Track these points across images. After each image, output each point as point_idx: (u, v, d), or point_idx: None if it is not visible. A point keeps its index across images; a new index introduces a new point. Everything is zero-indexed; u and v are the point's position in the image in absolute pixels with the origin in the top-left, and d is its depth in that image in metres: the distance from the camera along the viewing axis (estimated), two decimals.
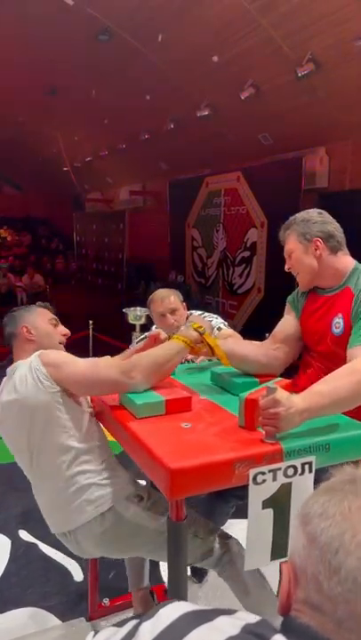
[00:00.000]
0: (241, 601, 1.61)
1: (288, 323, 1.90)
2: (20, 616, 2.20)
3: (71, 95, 9.15)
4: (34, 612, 2.22)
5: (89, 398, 1.71)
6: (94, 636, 0.66)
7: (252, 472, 1.21)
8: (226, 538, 1.64)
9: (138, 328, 2.24)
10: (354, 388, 1.40)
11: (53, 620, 2.18)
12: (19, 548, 2.67)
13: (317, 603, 0.55)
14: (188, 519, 1.31)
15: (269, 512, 1.25)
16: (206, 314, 2.41)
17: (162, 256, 11.29)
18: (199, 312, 2.43)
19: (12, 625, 2.14)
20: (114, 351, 2.18)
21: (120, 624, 0.64)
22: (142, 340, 2.12)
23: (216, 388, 1.79)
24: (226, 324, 2.35)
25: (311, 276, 1.79)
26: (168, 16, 6.04)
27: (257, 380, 1.71)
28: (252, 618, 0.59)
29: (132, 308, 2.25)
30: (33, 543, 2.69)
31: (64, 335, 1.75)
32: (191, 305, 2.47)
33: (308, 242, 1.75)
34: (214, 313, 2.45)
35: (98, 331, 6.49)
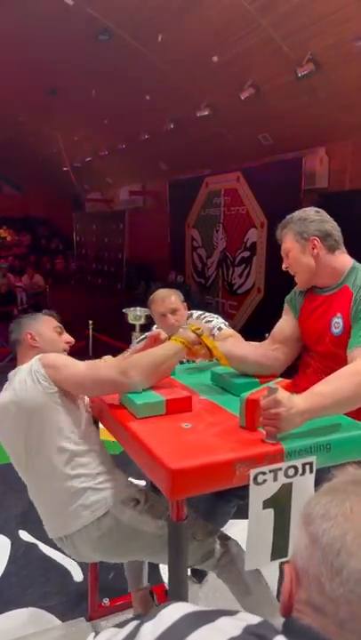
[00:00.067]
0: (240, 602, 1.62)
1: (287, 323, 1.90)
2: (20, 616, 2.20)
3: (71, 95, 9.15)
4: (34, 613, 2.22)
5: (87, 401, 1.72)
6: (95, 636, 0.66)
7: (252, 472, 1.21)
8: (225, 539, 1.64)
9: (138, 328, 2.24)
10: (355, 389, 1.40)
11: (53, 621, 2.18)
12: (19, 549, 2.66)
13: (319, 604, 0.55)
14: (187, 520, 1.31)
15: (270, 512, 1.25)
16: (207, 314, 2.41)
17: (162, 256, 11.28)
18: (200, 312, 2.43)
19: (12, 625, 2.14)
20: (114, 351, 2.18)
21: (121, 625, 0.64)
22: (142, 340, 2.12)
23: (216, 388, 1.79)
24: (226, 324, 2.35)
25: (309, 275, 1.78)
26: (168, 16, 6.04)
27: (257, 380, 1.71)
28: (254, 619, 0.59)
29: (131, 309, 2.26)
30: (33, 543, 2.69)
31: (68, 343, 1.78)
32: (191, 305, 2.47)
33: (306, 241, 1.74)
34: (214, 313, 2.45)
35: (98, 331, 6.49)
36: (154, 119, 8.48)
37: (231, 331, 2.30)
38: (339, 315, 1.69)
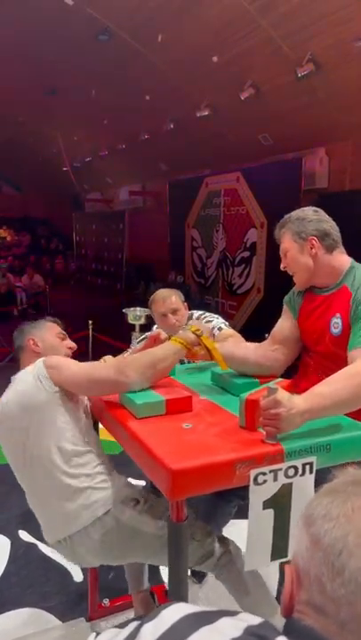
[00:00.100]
0: (239, 602, 1.62)
1: (286, 324, 1.90)
2: (20, 616, 2.20)
3: (71, 95, 9.14)
4: (33, 613, 2.22)
5: (87, 402, 1.72)
6: (96, 637, 0.65)
7: (253, 472, 1.21)
8: (223, 540, 1.65)
9: (137, 328, 2.24)
10: (355, 390, 1.40)
11: (53, 621, 2.18)
12: (18, 549, 2.66)
13: (321, 604, 0.55)
14: (187, 521, 1.31)
15: (270, 512, 1.25)
16: (207, 314, 2.41)
17: (161, 256, 11.28)
18: (200, 312, 2.43)
19: (12, 625, 2.14)
20: (113, 351, 2.19)
21: (122, 625, 0.64)
22: (142, 340, 2.12)
23: (216, 388, 1.79)
24: (227, 324, 2.35)
25: (308, 275, 1.78)
26: (168, 16, 6.04)
27: (257, 380, 1.72)
28: (255, 619, 0.59)
29: (131, 309, 2.25)
30: (33, 543, 2.68)
31: (70, 348, 1.80)
32: (191, 305, 2.47)
33: (304, 241, 1.74)
34: (214, 313, 2.45)
35: (97, 331, 6.48)
36: (154, 119, 8.48)
37: (231, 331, 2.30)
38: (338, 315, 1.69)
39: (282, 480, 1.24)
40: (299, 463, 1.26)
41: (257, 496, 1.22)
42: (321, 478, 1.12)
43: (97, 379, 1.56)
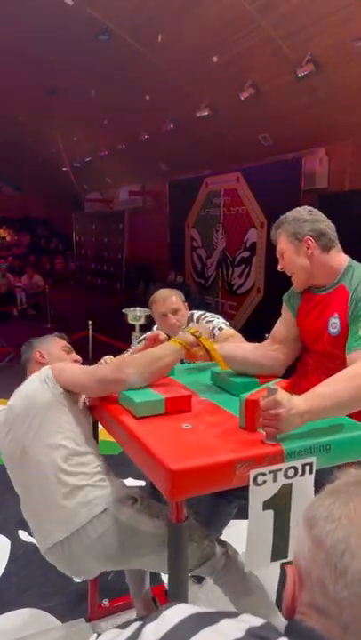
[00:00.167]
0: (236, 604, 1.63)
1: (286, 323, 1.90)
2: (20, 617, 2.20)
3: (71, 95, 9.14)
4: (33, 613, 2.22)
5: (87, 406, 1.75)
6: (97, 637, 0.65)
7: (252, 473, 1.21)
8: (221, 543, 1.66)
9: (137, 328, 2.24)
10: (355, 392, 1.40)
11: (53, 621, 2.17)
12: (18, 549, 2.66)
13: (323, 606, 0.54)
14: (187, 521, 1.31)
15: (270, 513, 1.25)
16: (208, 314, 2.41)
17: (161, 256, 11.28)
18: (201, 312, 2.43)
19: (12, 626, 2.14)
20: (113, 352, 2.19)
21: (123, 626, 0.64)
22: (143, 340, 2.12)
23: (216, 388, 1.79)
24: (227, 324, 2.34)
25: (306, 276, 1.78)
26: (168, 16, 6.04)
27: (257, 380, 1.72)
28: (257, 621, 0.58)
29: (131, 309, 2.25)
30: (33, 543, 2.68)
31: (75, 361, 1.86)
32: (191, 305, 2.47)
33: (300, 241, 1.74)
34: (214, 313, 2.45)
35: (97, 331, 6.49)
36: (154, 119, 8.48)
37: (232, 331, 2.30)
38: (336, 315, 1.69)
39: (282, 480, 1.24)
40: (298, 464, 1.26)
41: (257, 496, 1.22)
42: (322, 479, 1.12)
43: (98, 377, 1.60)
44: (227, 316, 2.62)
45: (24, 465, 1.59)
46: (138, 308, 2.25)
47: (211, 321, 2.33)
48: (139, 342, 2.15)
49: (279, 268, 1.84)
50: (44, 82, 8.80)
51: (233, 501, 2.03)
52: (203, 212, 9.57)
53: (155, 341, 1.84)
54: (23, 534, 2.76)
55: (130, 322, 2.24)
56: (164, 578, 2.33)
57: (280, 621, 0.61)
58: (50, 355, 1.81)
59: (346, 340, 1.63)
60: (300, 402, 1.31)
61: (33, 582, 2.40)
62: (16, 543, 2.71)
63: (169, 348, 1.66)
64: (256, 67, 6.17)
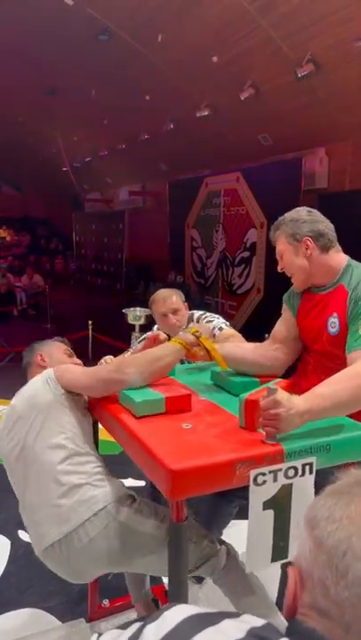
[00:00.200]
0: (236, 604, 1.62)
1: (286, 323, 1.90)
2: (20, 617, 2.19)
3: (71, 95, 9.15)
4: (33, 613, 2.21)
5: (87, 404, 1.75)
6: (98, 637, 0.65)
7: (252, 473, 1.21)
8: (221, 544, 1.66)
9: (137, 328, 2.24)
10: (355, 392, 1.40)
11: (53, 621, 2.17)
12: (18, 549, 2.66)
13: (324, 607, 0.54)
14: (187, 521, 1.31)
15: (270, 513, 1.25)
16: (208, 314, 2.41)
17: (161, 256, 11.28)
18: (201, 312, 2.43)
19: (12, 626, 2.14)
20: (113, 352, 2.19)
21: (124, 626, 0.64)
22: (143, 340, 2.12)
23: (216, 388, 1.79)
24: (227, 324, 2.34)
25: (305, 277, 1.78)
26: (168, 16, 6.04)
27: (257, 380, 1.72)
28: (258, 621, 0.58)
29: (131, 309, 2.25)
30: None
31: (76, 365, 1.85)
32: (191, 305, 2.47)
33: (298, 242, 1.74)
34: (214, 313, 2.45)
35: (97, 331, 6.49)
36: (154, 119, 8.48)
37: (232, 331, 2.30)
38: (335, 314, 1.69)
39: (282, 481, 1.24)
40: (299, 464, 1.26)
41: (257, 497, 1.22)
42: (323, 480, 1.12)
43: (98, 377, 1.61)
44: (227, 316, 2.61)
45: (23, 464, 1.59)
46: (138, 308, 2.25)
47: (211, 321, 2.33)
48: (139, 342, 2.15)
49: (279, 268, 1.84)
50: (44, 82, 8.80)
51: (234, 501, 2.03)
52: (203, 212, 9.57)
53: (155, 341, 1.85)
54: (23, 534, 2.76)
55: (130, 322, 2.24)
56: (164, 578, 2.33)
57: (281, 622, 0.60)
58: (51, 358, 1.83)
59: (345, 340, 1.63)
60: (299, 402, 1.30)
61: (33, 582, 2.40)
62: (16, 543, 2.71)
63: (169, 347, 1.66)
64: (256, 67, 6.17)
